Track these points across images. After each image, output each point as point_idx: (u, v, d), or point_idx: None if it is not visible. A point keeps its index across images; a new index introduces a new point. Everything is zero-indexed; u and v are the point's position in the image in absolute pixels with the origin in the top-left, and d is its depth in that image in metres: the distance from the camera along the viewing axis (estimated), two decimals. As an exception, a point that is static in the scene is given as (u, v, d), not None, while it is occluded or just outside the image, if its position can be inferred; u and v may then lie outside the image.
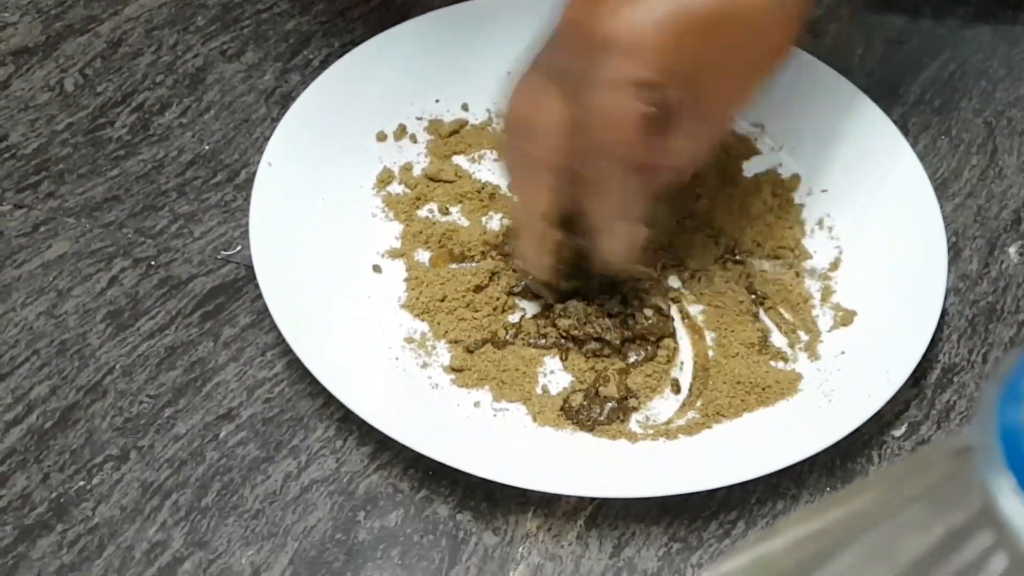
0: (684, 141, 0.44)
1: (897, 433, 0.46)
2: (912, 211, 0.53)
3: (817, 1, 0.45)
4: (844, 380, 0.47)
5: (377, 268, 0.51)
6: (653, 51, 0.40)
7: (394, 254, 0.51)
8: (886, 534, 0.14)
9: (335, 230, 0.51)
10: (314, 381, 0.47)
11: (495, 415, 0.46)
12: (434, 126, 0.56)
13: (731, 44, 0.42)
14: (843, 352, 0.49)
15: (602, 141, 0.41)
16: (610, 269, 0.47)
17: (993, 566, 0.13)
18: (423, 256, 0.51)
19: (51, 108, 0.57)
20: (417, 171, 0.55)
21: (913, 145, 0.55)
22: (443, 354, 0.48)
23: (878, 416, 0.47)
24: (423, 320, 0.49)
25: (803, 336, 0.49)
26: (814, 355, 0.49)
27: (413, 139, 0.56)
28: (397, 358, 0.47)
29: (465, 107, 0.58)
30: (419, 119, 0.57)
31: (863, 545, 0.14)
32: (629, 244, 0.45)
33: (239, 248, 0.52)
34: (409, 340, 0.48)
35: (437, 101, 0.57)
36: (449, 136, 0.56)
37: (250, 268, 0.50)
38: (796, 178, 0.55)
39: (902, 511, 0.14)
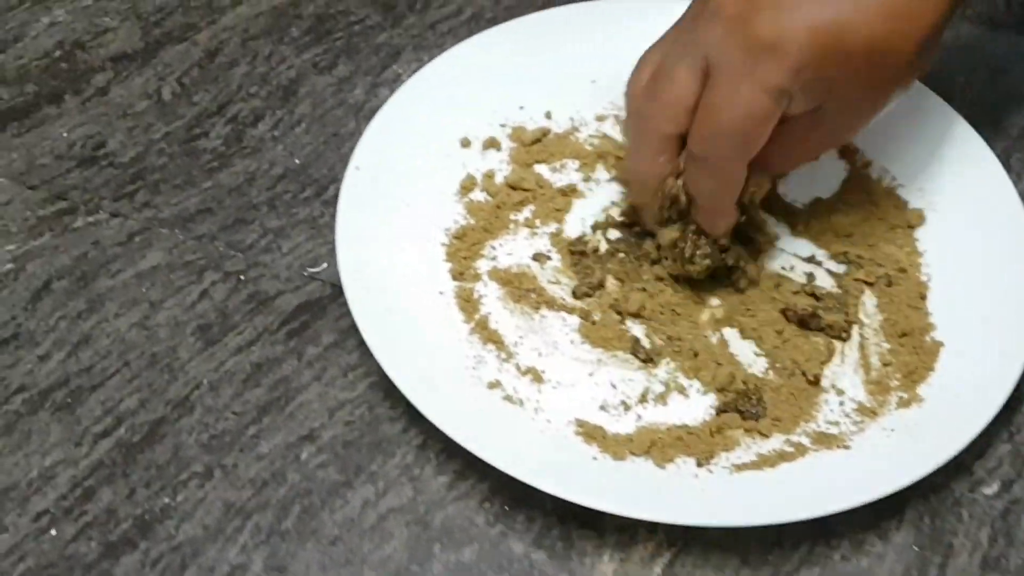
0: (794, 147, 0.48)
1: (989, 491, 0.45)
2: (1009, 247, 0.51)
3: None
4: (928, 416, 0.46)
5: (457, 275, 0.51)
6: (801, 63, 0.43)
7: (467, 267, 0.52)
8: None
9: (419, 237, 0.52)
10: (395, 405, 0.47)
11: (576, 435, 0.46)
12: (517, 133, 0.56)
13: (865, 74, 0.45)
14: (928, 385, 0.47)
15: (729, 128, 0.44)
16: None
17: None
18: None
19: (148, 116, 0.58)
20: (499, 179, 0.55)
21: (1016, 181, 0.53)
22: (523, 362, 0.48)
23: (969, 472, 0.46)
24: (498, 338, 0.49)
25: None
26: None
27: (496, 146, 0.56)
28: (474, 368, 0.48)
29: (548, 115, 0.57)
30: (503, 126, 0.57)
31: None
32: (723, 224, 0.48)
33: (325, 265, 0.52)
34: (487, 343, 0.49)
35: (521, 108, 0.57)
36: (532, 144, 0.56)
37: (335, 286, 0.51)
38: (921, 216, 0.54)
39: None
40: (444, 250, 0.52)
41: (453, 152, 0.55)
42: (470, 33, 0.61)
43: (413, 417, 0.46)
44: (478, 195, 0.54)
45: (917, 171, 0.55)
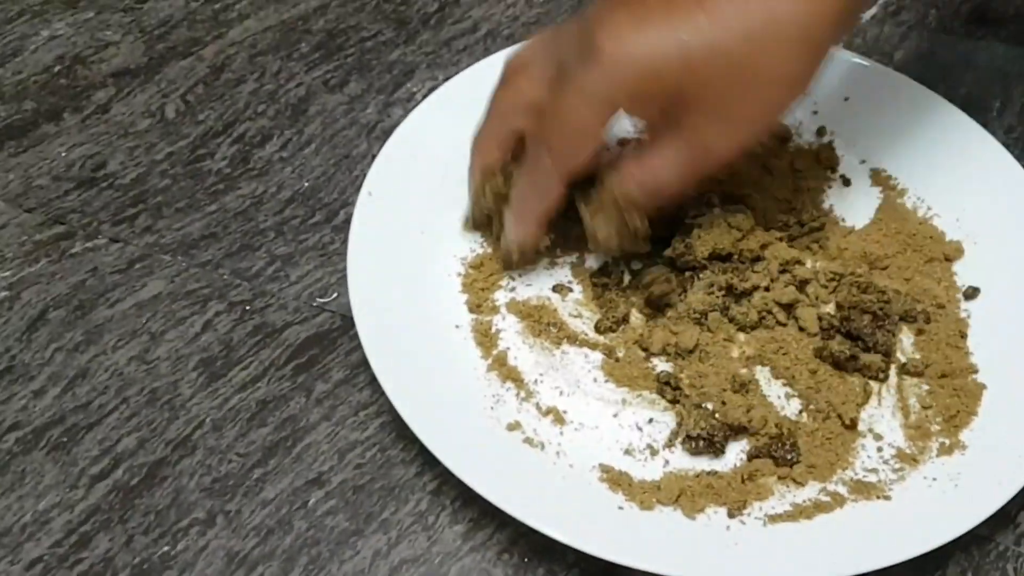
0: (663, 163, 0.45)
1: (1035, 547, 0.43)
2: None
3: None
4: (971, 464, 0.44)
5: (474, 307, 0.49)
6: (634, 77, 0.42)
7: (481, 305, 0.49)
8: None
9: (434, 267, 0.49)
10: (408, 447, 0.45)
11: (600, 481, 0.44)
12: None
13: (731, 87, 0.42)
14: (971, 431, 0.45)
15: (548, 134, 0.44)
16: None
17: None
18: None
19: (151, 135, 0.56)
20: None
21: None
22: (544, 401, 0.46)
23: (1014, 524, 0.43)
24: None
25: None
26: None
27: None
28: (492, 408, 0.45)
29: None
30: None
31: None
32: (520, 235, 0.47)
33: (335, 295, 0.50)
34: (506, 381, 0.46)
35: None
36: None
37: (345, 318, 0.49)
38: (960, 248, 0.51)
39: None
40: (460, 281, 0.49)
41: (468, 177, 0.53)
42: (486, 51, 0.59)
43: (428, 460, 0.44)
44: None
45: (953, 200, 0.52)
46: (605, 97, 0.42)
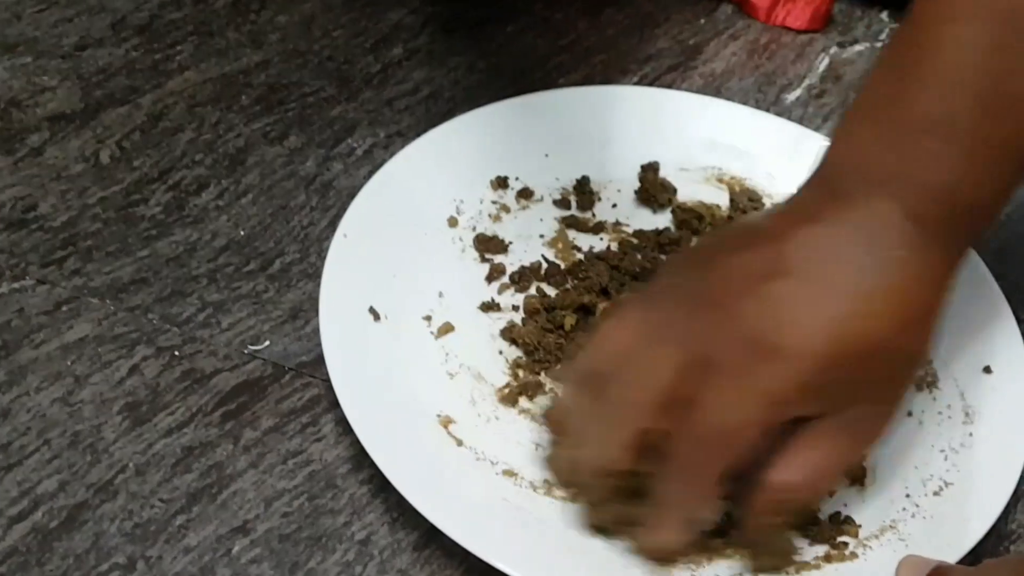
0: (825, 459, 0.41)
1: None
2: None
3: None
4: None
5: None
6: (817, 371, 0.38)
7: None
8: None
9: (405, 312, 0.50)
10: (336, 496, 0.44)
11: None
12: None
13: (875, 377, 0.40)
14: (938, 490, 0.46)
15: (701, 431, 0.39)
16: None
17: None
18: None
19: (84, 180, 0.55)
20: None
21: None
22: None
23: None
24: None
25: None
26: None
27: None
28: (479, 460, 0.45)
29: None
30: (494, 203, 0.55)
31: None
32: (671, 542, 0.41)
33: (267, 343, 0.49)
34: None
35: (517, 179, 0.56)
36: None
37: (277, 366, 0.48)
38: None
39: None
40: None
41: (442, 227, 0.54)
42: (427, 111, 0.60)
43: (356, 510, 0.44)
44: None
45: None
46: (780, 395, 0.39)
